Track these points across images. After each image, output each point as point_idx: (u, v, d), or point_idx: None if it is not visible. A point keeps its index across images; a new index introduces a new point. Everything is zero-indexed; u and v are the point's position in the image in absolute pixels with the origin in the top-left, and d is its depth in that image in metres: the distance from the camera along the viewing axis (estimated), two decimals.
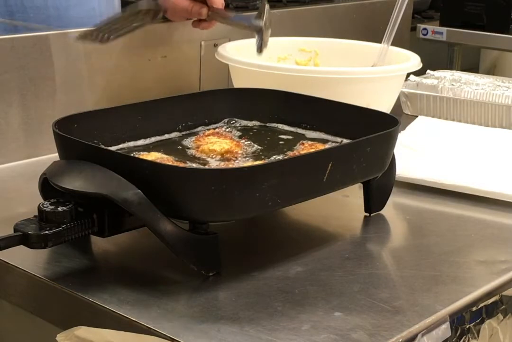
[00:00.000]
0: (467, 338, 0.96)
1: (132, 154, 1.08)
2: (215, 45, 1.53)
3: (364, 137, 1.05)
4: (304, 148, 1.15)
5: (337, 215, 1.19)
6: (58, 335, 0.89)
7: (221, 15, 1.39)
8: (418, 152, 1.37)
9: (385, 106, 1.42)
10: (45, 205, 0.92)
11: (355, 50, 1.60)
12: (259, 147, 1.17)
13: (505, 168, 1.30)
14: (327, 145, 1.16)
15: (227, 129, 1.23)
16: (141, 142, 1.16)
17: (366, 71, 1.44)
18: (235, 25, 1.41)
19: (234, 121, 1.26)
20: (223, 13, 1.39)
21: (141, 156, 1.08)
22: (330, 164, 1.00)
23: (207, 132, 1.21)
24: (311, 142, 1.17)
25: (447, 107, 1.61)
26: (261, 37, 1.32)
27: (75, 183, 0.93)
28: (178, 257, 0.93)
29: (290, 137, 1.21)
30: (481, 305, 0.96)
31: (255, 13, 1.35)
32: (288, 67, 1.44)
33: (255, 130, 1.24)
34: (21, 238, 0.90)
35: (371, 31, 1.77)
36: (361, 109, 1.19)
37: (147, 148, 1.14)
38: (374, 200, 1.16)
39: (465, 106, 1.59)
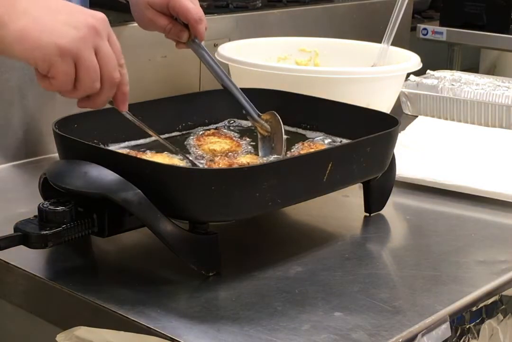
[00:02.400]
0: (467, 338, 0.96)
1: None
2: (215, 45, 1.53)
3: (364, 137, 1.05)
4: (304, 148, 1.15)
5: (337, 215, 1.19)
6: (58, 335, 0.89)
7: (198, 54, 1.21)
8: (418, 152, 1.37)
9: (385, 106, 1.42)
10: (45, 205, 0.92)
11: (355, 50, 1.59)
12: None
13: (505, 168, 1.30)
14: (327, 145, 1.16)
15: (227, 129, 1.23)
16: (141, 142, 1.16)
17: (366, 71, 1.44)
18: (209, 69, 1.20)
19: (234, 121, 1.26)
20: (201, 53, 1.20)
21: (144, 157, 1.08)
22: (330, 164, 1.00)
23: (207, 132, 1.21)
24: (311, 142, 1.17)
25: (447, 107, 1.61)
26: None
27: (75, 183, 0.93)
28: (178, 257, 0.93)
29: (290, 137, 1.21)
30: (481, 305, 0.96)
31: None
32: (288, 67, 1.44)
33: (255, 130, 1.24)
34: (21, 238, 0.90)
35: (371, 31, 1.76)
36: (361, 109, 1.19)
37: (147, 148, 1.14)
38: (374, 200, 1.16)
39: (465, 106, 1.59)
